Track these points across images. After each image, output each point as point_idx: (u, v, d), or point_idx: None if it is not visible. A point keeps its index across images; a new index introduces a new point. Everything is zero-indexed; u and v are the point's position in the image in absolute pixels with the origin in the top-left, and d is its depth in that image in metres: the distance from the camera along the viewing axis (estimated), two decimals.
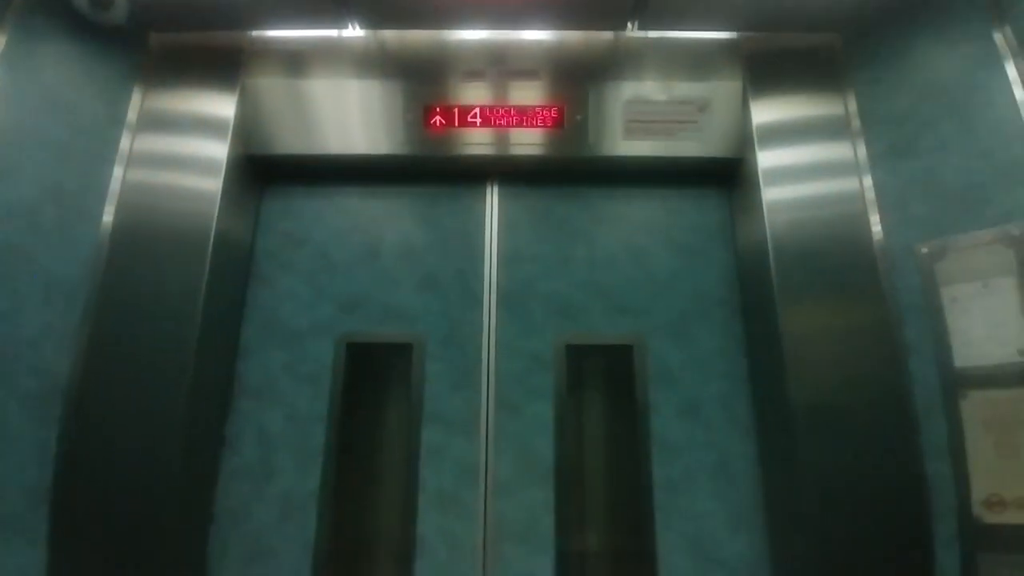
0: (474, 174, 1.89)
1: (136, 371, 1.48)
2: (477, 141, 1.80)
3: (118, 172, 1.64)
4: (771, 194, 1.64)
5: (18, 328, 1.56)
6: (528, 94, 1.81)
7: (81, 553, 1.38)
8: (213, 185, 1.64)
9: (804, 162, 1.68)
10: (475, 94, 1.80)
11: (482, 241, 1.85)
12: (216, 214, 1.61)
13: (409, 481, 1.63)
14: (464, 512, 1.62)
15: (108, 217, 1.61)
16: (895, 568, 1.39)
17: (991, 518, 1.42)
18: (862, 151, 1.68)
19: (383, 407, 1.78)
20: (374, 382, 1.78)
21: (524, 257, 1.84)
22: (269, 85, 1.80)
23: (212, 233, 1.59)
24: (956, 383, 1.54)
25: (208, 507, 1.59)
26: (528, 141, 1.80)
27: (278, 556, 1.57)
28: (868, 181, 1.64)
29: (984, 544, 1.41)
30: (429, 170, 1.88)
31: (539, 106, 1.79)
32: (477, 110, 1.78)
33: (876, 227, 1.61)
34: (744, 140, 1.75)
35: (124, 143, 1.68)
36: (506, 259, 1.83)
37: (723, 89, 1.78)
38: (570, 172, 1.89)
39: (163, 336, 1.51)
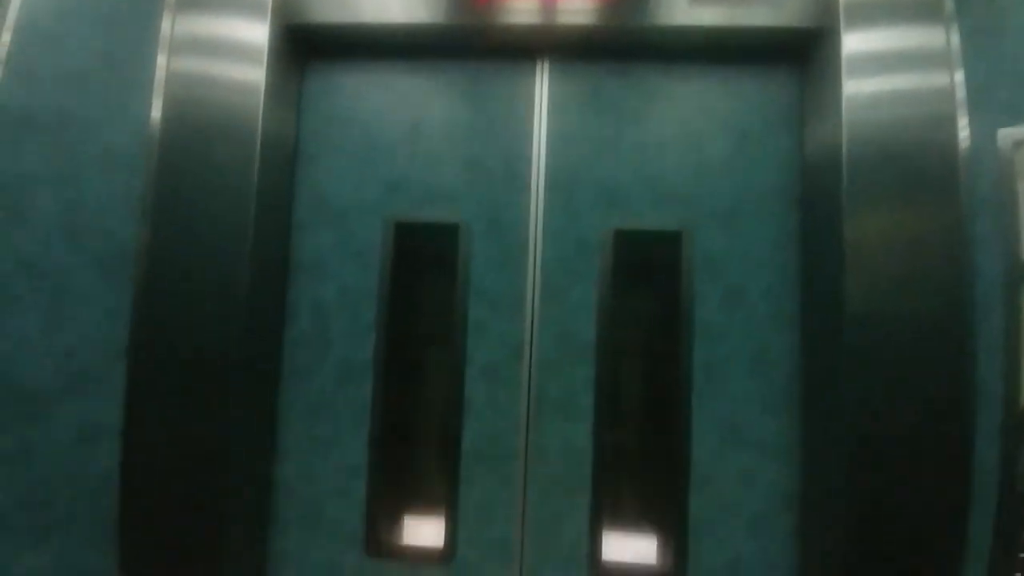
0: (525, 48, 1.78)
1: (198, 242, 1.55)
2: (529, 8, 1.67)
3: (162, 60, 1.60)
4: (852, 84, 1.48)
5: (82, 193, 1.63)
6: None
7: (156, 407, 1.52)
8: (257, 63, 1.60)
9: (893, 46, 1.50)
10: None
11: (530, 122, 1.78)
12: (263, 91, 1.58)
13: (456, 354, 1.72)
14: (508, 384, 1.71)
15: (158, 100, 1.59)
16: (932, 457, 1.41)
17: None
18: (955, 38, 1.49)
19: (431, 286, 1.83)
20: (421, 262, 1.82)
21: (574, 140, 1.77)
22: None
23: (260, 111, 1.57)
24: (1019, 277, 1.49)
25: (274, 369, 1.72)
26: (584, 9, 1.66)
27: (339, 414, 1.73)
28: (959, 75, 1.47)
29: None
30: (476, 43, 1.77)
31: None
32: None
33: (963, 128, 1.46)
34: (828, 10, 1.57)
35: (165, 24, 1.62)
36: (555, 141, 1.77)
37: None
38: (627, 46, 1.75)
39: (221, 213, 1.55)
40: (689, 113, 1.77)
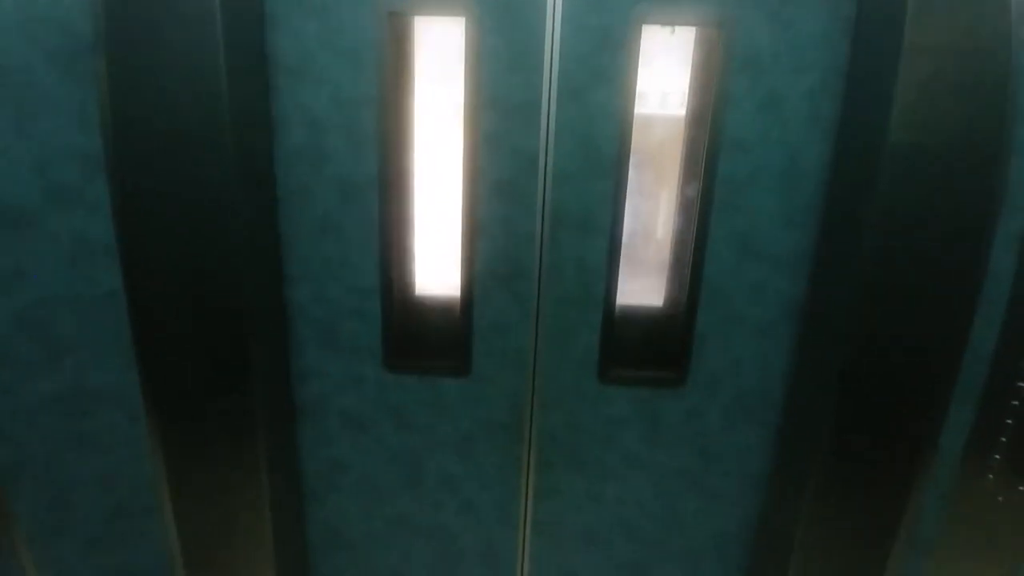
0: None
1: (161, 36, 1.31)
2: None
3: None
4: None
5: None
6: None
7: (147, 226, 1.41)
8: None
9: None
10: None
11: None
12: None
13: (467, 168, 1.59)
14: (522, 200, 1.62)
15: None
16: (942, 282, 1.41)
17: None
18: None
19: (435, 89, 1.63)
20: (424, 60, 1.59)
21: None
22: None
23: None
24: None
25: (270, 187, 1.60)
26: None
27: (346, 232, 1.65)
28: None
29: None
30: None
31: None
32: None
33: None
34: None
35: None
36: None
37: None
38: None
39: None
40: None
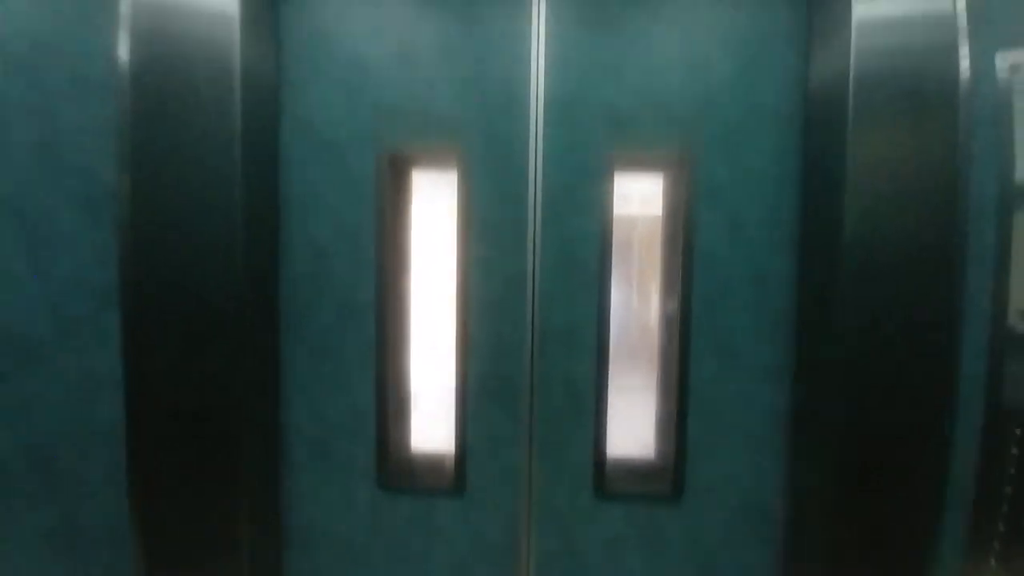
0: None
1: (183, 179, 1.44)
2: None
3: None
4: (862, 10, 1.45)
5: (56, 126, 1.51)
6: None
7: (153, 356, 1.46)
8: None
9: None
10: None
11: (528, 44, 1.69)
12: (238, 19, 1.45)
13: (460, 290, 1.69)
14: (512, 317, 1.71)
15: (125, 31, 1.43)
16: (921, 374, 1.47)
17: None
18: None
19: (430, 219, 1.78)
20: (419, 194, 1.75)
21: (573, 63, 1.69)
22: None
23: (237, 40, 1.45)
24: (1013, 196, 1.53)
25: (273, 310, 1.68)
26: None
27: (344, 353, 1.70)
28: (961, 2, 1.44)
29: (1014, 351, 1.52)
30: None
31: None
32: None
33: (963, 50, 1.44)
34: None
35: None
36: (554, 65, 1.69)
37: None
38: None
39: (204, 148, 1.45)
40: (692, 36, 1.70)
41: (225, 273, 1.46)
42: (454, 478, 1.73)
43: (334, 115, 1.69)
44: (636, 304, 1.95)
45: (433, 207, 1.84)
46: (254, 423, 1.57)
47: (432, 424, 1.85)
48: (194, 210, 1.45)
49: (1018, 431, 1.52)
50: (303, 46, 1.70)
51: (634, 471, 1.84)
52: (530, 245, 1.70)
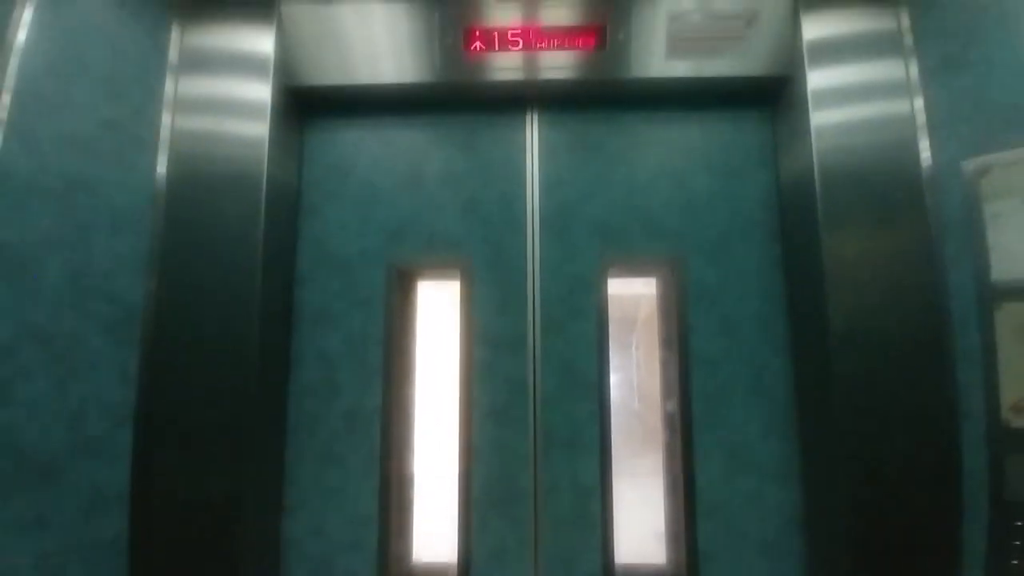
0: (514, 100, 1.89)
1: (206, 299, 1.57)
2: (517, 65, 1.79)
3: (167, 119, 1.66)
4: (820, 117, 1.62)
5: (89, 257, 1.65)
6: (569, 13, 1.76)
7: (163, 468, 1.52)
8: (261, 120, 1.67)
9: (855, 82, 1.64)
10: (514, 15, 1.77)
11: (523, 167, 1.87)
12: (267, 147, 1.64)
13: (463, 397, 1.74)
14: (515, 423, 1.74)
15: (163, 156, 1.63)
16: (924, 471, 1.49)
17: (1018, 422, 1.51)
18: (914, 70, 1.63)
19: (434, 328, 1.87)
20: (424, 305, 1.86)
21: (565, 182, 1.86)
22: (306, 13, 1.77)
23: (265, 166, 1.63)
24: (992, 295, 1.58)
25: (281, 420, 1.73)
26: (569, 64, 1.78)
27: (347, 462, 1.73)
28: (919, 102, 1.61)
29: (1011, 446, 1.51)
30: (469, 97, 1.87)
31: (580, 26, 1.75)
32: (519, 31, 1.75)
33: (925, 149, 1.59)
34: (793, 57, 1.71)
35: (169, 85, 1.68)
36: (548, 184, 1.86)
37: (772, 2, 1.72)
38: (611, 96, 1.88)
39: (227, 268, 1.59)
40: (671, 154, 1.89)
41: (239, 389, 1.54)
42: None
43: (347, 235, 1.85)
44: (638, 403, 1.97)
45: (439, 317, 1.94)
46: (256, 540, 1.56)
47: (436, 535, 1.82)
48: (215, 324, 1.56)
49: (1020, 523, 1.48)
50: (321, 173, 1.89)
51: None
52: (530, 352, 1.77)
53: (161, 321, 1.56)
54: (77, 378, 1.59)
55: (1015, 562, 1.48)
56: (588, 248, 1.83)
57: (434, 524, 1.83)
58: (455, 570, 1.69)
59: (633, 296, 2.08)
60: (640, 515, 1.86)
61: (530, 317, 1.79)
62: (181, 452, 1.52)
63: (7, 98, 1.66)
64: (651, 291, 1.97)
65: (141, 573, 1.48)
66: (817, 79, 1.64)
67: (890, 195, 1.57)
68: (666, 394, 1.85)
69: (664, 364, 1.88)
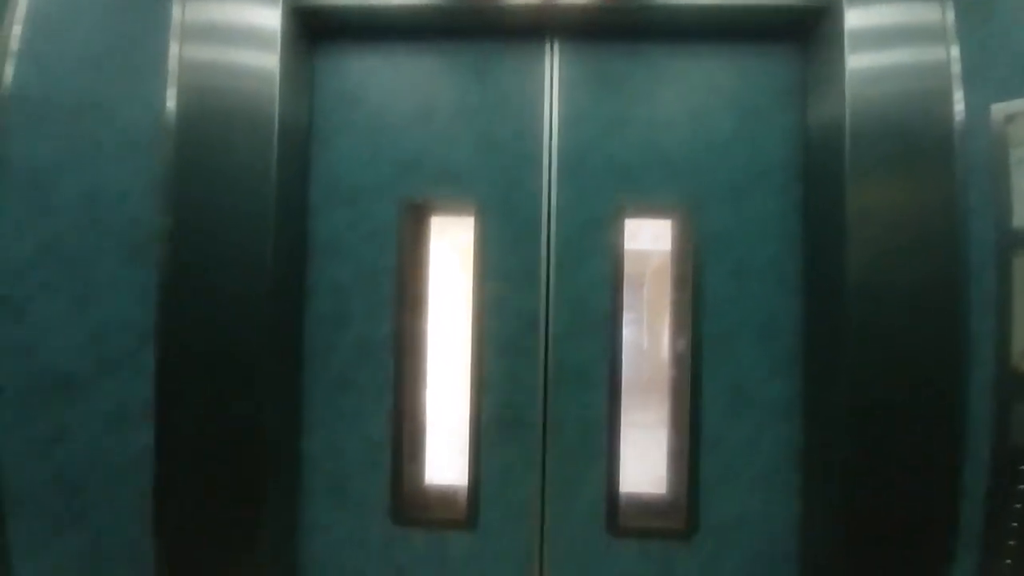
0: (534, 28, 1.80)
1: (220, 227, 1.57)
2: None
3: (174, 48, 1.61)
4: (856, 60, 1.54)
5: (103, 178, 1.65)
6: None
7: (184, 386, 1.57)
8: (271, 48, 1.62)
9: (893, 23, 1.55)
10: None
11: (541, 102, 1.82)
12: (278, 76, 1.60)
13: (475, 330, 1.77)
14: (526, 357, 1.77)
15: (172, 86, 1.59)
16: (928, 414, 1.51)
17: None
18: (950, 15, 1.54)
19: (446, 263, 1.88)
20: (436, 241, 1.86)
21: (584, 118, 1.81)
22: None
23: (276, 95, 1.60)
24: (1012, 242, 1.57)
25: (298, 346, 1.77)
26: None
27: (362, 389, 1.78)
28: (955, 50, 1.53)
29: (1020, 393, 1.54)
30: (486, 23, 1.79)
31: None
32: None
33: (957, 97, 1.53)
34: None
35: (176, 10, 1.62)
36: (566, 120, 1.81)
37: None
38: (634, 25, 1.79)
39: (241, 197, 1.58)
40: (695, 92, 1.82)
41: (255, 313, 1.57)
42: (466, 512, 1.77)
43: (358, 167, 1.82)
44: (647, 342, 2.01)
45: (452, 250, 1.94)
46: (277, 453, 1.64)
47: (446, 459, 1.90)
48: (229, 254, 1.57)
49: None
50: (332, 103, 1.85)
51: (647, 508, 1.87)
52: (542, 288, 1.78)
53: (177, 246, 1.57)
54: (95, 298, 1.63)
55: (1018, 506, 1.53)
56: (605, 187, 1.80)
57: (446, 449, 1.91)
58: (464, 492, 1.78)
59: (643, 252, 2.07)
60: (643, 448, 1.92)
61: (543, 254, 1.79)
62: (201, 373, 1.56)
63: (17, 27, 1.63)
64: (661, 247, 1.96)
65: (167, 486, 1.56)
66: (855, 17, 1.55)
67: (919, 143, 1.52)
68: (675, 334, 1.88)
69: (675, 305, 1.89)
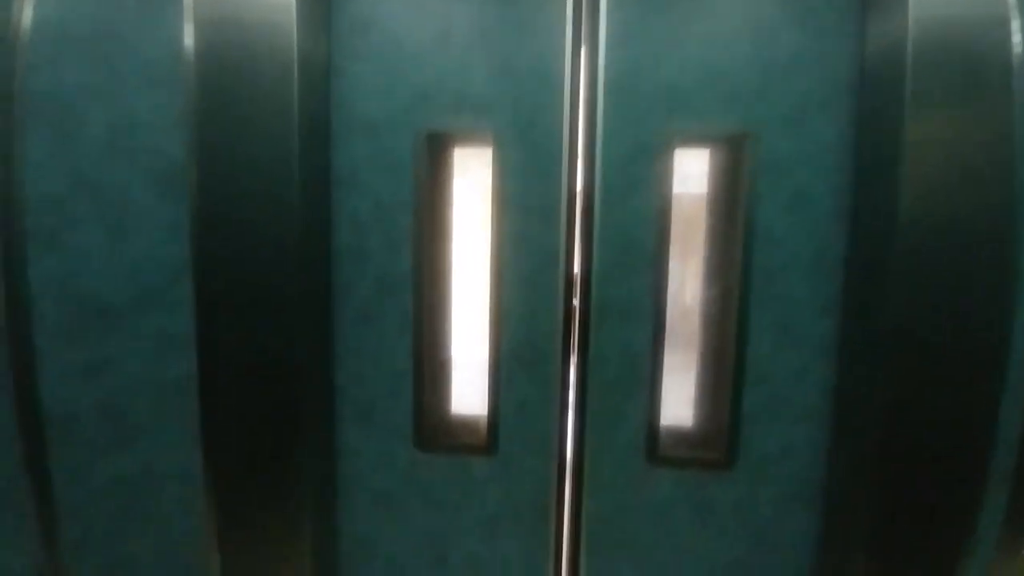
0: None
1: (245, 160, 1.55)
2: None
3: None
4: None
5: (128, 109, 1.66)
6: None
7: (223, 320, 1.61)
8: None
9: None
10: None
11: (563, 23, 1.69)
12: (295, 6, 1.53)
13: (494, 262, 1.76)
14: (544, 291, 1.76)
15: (189, 20, 1.53)
16: (969, 352, 1.47)
17: None
18: None
19: (466, 196, 1.85)
20: (456, 173, 1.82)
21: (631, 36, 1.67)
22: None
23: (294, 25, 1.53)
24: None
25: (325, 279, 1.79)
26: None
27: (383, 321, 1.82)
28: None
29: None
30: None
31: None
32: None
33: (1015, 27, 1.40)
34: None
35: None
36: (612, 39, 1.68)
37: None
38: None
39: (264, 129, 1.55)
40: (752, 12, 1.65)
41: (284, 246, 1.58)
42: (486, 440, 1.83)
43: (375, 97, 1.76)
44: (686, 275, 1.97)
45: (475, 182, 1.90)
46: (310, 381, 1.70)
47: (471, 390, 1.96)
48: (256, 186, 1.56)
49: None
50: (349, 32, 1.77)
51: (686, 439, 1.92)
52: (562, 221, 1.74)
53: (205, 179, 1.55)
54: (129, 231, 1.68)
55: None
56: (650, 115, 1.69)
57: (470, 380, 1.96)
58: (485, 422, 1.84)
59: (689, 182, 1.99)
60: (684, 382, 1.95)
61: (563, 187, 1.73)
62: (237, 304, 1.60)
63: None
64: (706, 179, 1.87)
65: (211, 412, 1.65)
66: None
67: (979, 75, 1.40)
68: (717, 268, 1.82)
69: (714, 238, 1.82)
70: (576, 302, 1.78)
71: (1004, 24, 1.40)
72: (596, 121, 1.71)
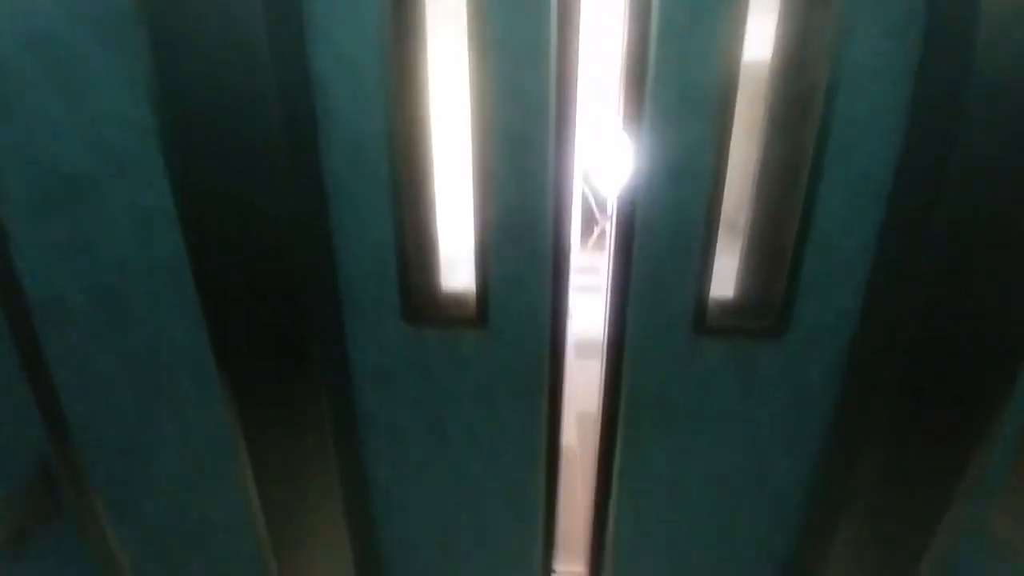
0: None
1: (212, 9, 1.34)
2: None
3: None
4: None
5: None
6: None
7: (205, 190, 1.46)
8: None
9: None
10: None
11: None
12: None
13: (475, 117, 1.56)
14: (533, 149, 1.58)
15: None
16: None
17: None
18: None
19: (444, 40, 1.63)
20: (432, 17, 1.59)
21: None
22: None
23: None
24: None
25: (315, 141, 1.61)
26: None
27: (361, 192, 1.65)
28: None
29: None
30: None
31: None
32: None
33: None
34: None
35: None
36: None
37: None
38: None
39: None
40: None
41: (258, 101, 1.39)
42: (476, 313, 1.76)
43: None
44: (754, 132, 1.73)
45: (448, 26, 1.66)
46: (304, 253, 1.57)
47: (456, 258, 1.86)
48: (224, 43, 1.35)
49: None
50: None
51: (733, 308, 1.83)
52: (552, 68, 1.52)
53: (160, 32, 1.34)
54: (86, 92, 1.53)
55: None
56: None
57: (461, 252, 1.84)
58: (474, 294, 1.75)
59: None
60: (736, 250, 1.81)
61: (552, 30, 1.49)
62: (219, 170, 1.44)
63: None
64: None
65: (205, 287, 1.59)
66: None
67: None
68: (792, 118, 1.60)
69: (794, 83, 1.58)
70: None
71: None
72: None
